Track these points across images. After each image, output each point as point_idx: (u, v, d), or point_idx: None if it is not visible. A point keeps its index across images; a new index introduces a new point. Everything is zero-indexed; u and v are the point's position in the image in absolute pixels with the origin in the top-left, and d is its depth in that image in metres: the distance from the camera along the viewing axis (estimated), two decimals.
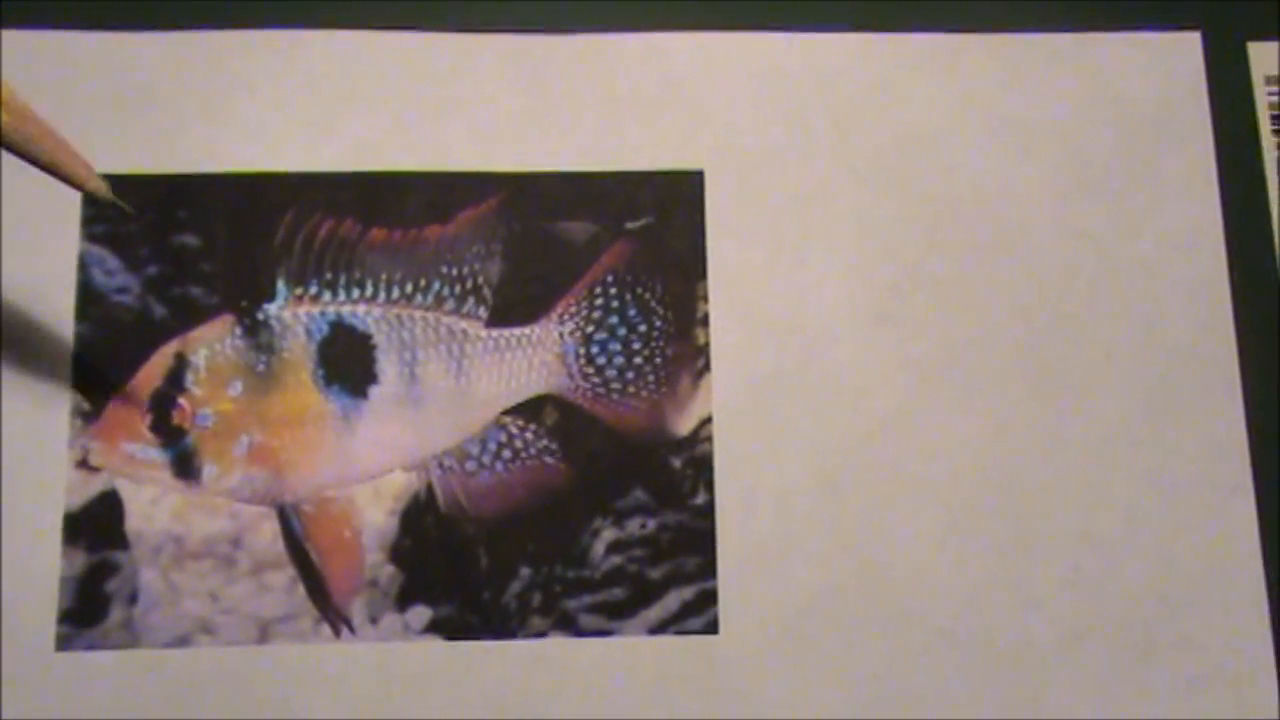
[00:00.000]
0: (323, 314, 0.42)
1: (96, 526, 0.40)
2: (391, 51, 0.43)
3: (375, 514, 0.40)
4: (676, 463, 0.41)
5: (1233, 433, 0.42)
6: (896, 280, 0.43)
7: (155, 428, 0.40)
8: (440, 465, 0.41)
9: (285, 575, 0.40)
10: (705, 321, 0.42)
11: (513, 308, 0.42)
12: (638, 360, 0.42)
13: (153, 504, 0.40)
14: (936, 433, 0.42)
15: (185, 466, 0.40)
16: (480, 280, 0.42)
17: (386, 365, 0.41)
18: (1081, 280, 0.43)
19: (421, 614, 0.40)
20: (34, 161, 0.34)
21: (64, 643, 0.39)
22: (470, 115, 0.43)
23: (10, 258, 0.41)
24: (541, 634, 0.40)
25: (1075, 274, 0.43)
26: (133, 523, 0.40)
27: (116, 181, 0.42)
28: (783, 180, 0.43)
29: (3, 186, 0.42)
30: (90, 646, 0.39)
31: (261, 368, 0.41)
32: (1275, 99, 0.44)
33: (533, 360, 0.42)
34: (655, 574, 0.40)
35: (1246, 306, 0.43)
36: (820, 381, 0.42)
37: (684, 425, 0.41)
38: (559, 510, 0.41)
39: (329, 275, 0.42)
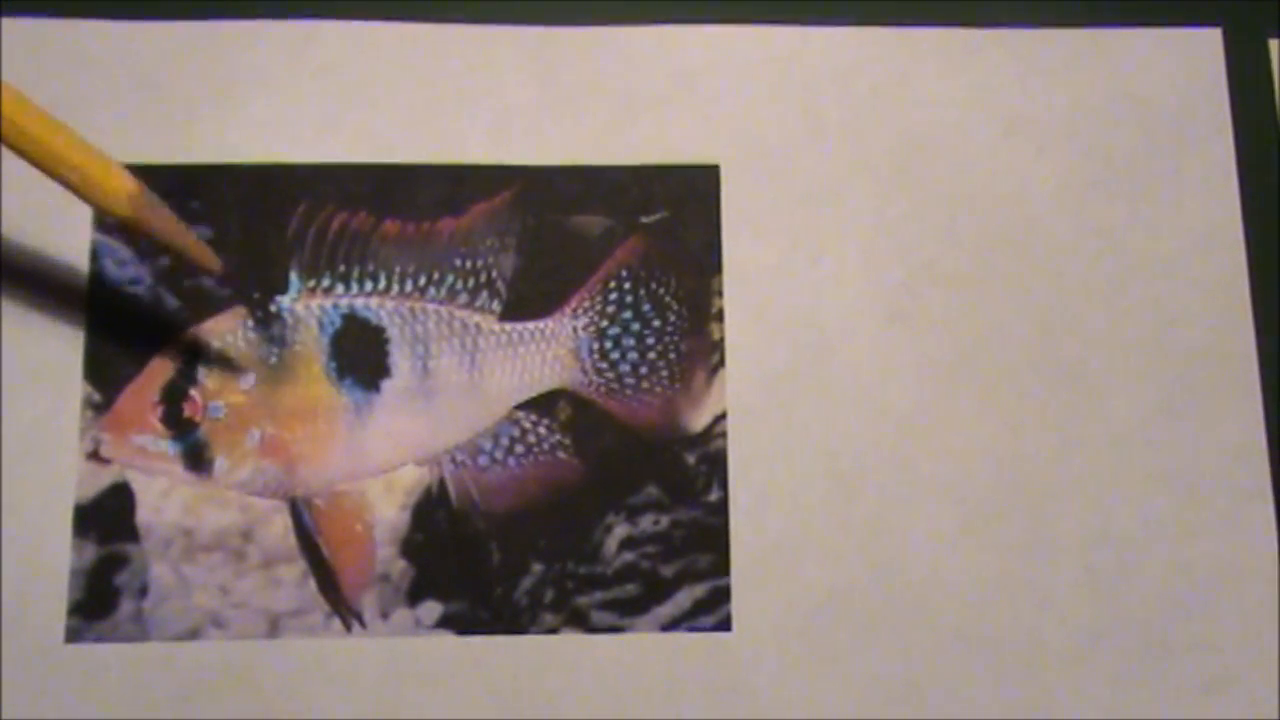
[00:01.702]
0: (335, 306, 0.41)
1: (107, 519, 0.40)
2: (405, 44, 0.43)
3: (387, 508, 0.40)
4: (690, 459, 0.41)
5: (1250, 434, 0.42)
6: (912, 277, 0.42)
7: (166, 420, 0.40)
8: (452, 460, 0.41)
9: (296, 569, 0.40)
10: (720, 317, 0.42)
11: (526, 302, 0.42)
12: (651, 355, 0.42)
13: (163, 496, 0.40)
14: (951, 431, 0.41)
15: (196, 459, 0.40)
16: (494, 274, 0.42)
17: (399, 358, 0.41)
18: (1099, 279, 0.43)
19: (432, 609, 0.40)
20: (165, 247, 0.38)
21: (73, 635, 0.39)
22: (484, 108, 0.43)
23: (22, 248, 0.41)
24: (553, 630, 0.40)
25: (1092, 272, 0.43)
26: (143, 515, 0.40)
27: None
28: (798, 175, 0.43)
29: (14, 178, 0.42)
30: (100, 639, 0.39)
31: (274, 360, 0.41)
32: None
33: (546, 355, 0.41)
34: (668, 571, 0.40)
35: (1266, 306, 0.43)
36: (835, 378, 0.42)
37: (698, 421, 0.41)
38: (571, 506, 0.40)
39: (342, 267, 0.42)
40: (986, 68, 0.44)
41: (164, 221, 0.38)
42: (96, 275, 0.41)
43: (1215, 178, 0.43)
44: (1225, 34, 0.44)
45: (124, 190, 0.36)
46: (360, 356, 0.41)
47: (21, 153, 0.36)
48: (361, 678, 0.39)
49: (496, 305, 0.42)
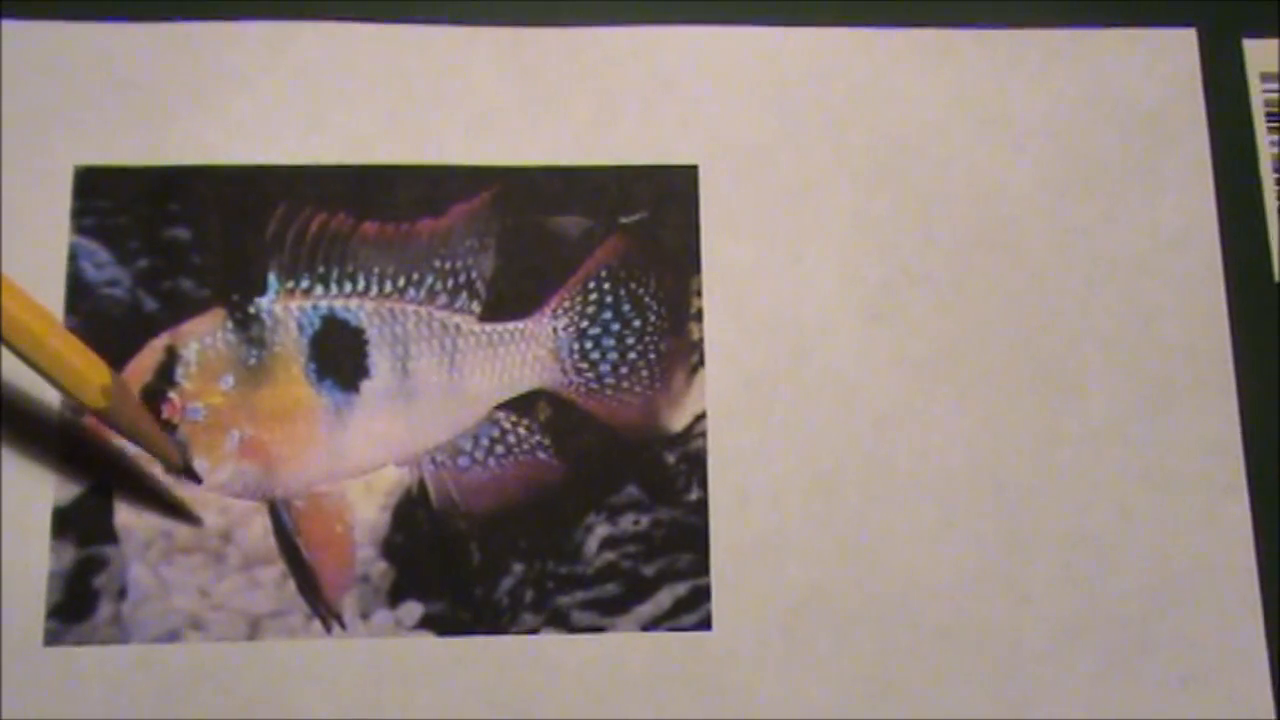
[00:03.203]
0: (314, 308, 0.41)
1: (86, 521, 0.40)
2: (384, 44, 0.43)
3: (367, 509, 0.40)
4: (670, 459, 0.41)
5: (1227, 431, 0.42)
6: (891, 276, 0.43)
7: None
8: (432, 460, 0.41)
9: (276, 570, 0.40)
10: (699, 317, 0.42)
11: (506, 302, 0.42)
12: (631, 356, 0.42)
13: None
14: (930, 429, 0.42)
15: None
16: (473, 274, 0.42)
17: (378, 359, 0.41)
18: (1076, 277, 0.43)
19: (413, 610, 0.40)
20: (134, 440, 0.38)
21: (52, 638, 0.39)
22: (463, 109, 0.43)
23: (1, 252, 0.41)
24: (534, 630, 0.40)
25: (1070, 271, 0.43)
26: (122, 517, 0.40)
27: (108, 174, 0.42)
28: (777, 176, 0.43)
29: None
30: (79, 642, 0.39)
31: (253, 361, 0.41)
32: (1271, 95, 0.44)
33: (526, 355, 0.41)
34: (648, 570, 0.40)
35: (1241, 304, 0.43)
36: (814, 377, 0.42)
37: (678, 421, 0.41)
38: (552, 506, 0.40)
39: (321, 269, 0.41)
40: (964, 68, 0.44)
41: (136, 416, 0.38)
42: (75, 277, 0.41)
43: (1191, 176, 0.44)
44: (1200, 34, 0.45)
45: (98, 382, 0.37)
46: (340, 358, 0.41)
47: (3, 337, 0.36)
48: (342, 679, 0.39)
49: (476, 306, 0.42)
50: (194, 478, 0.40)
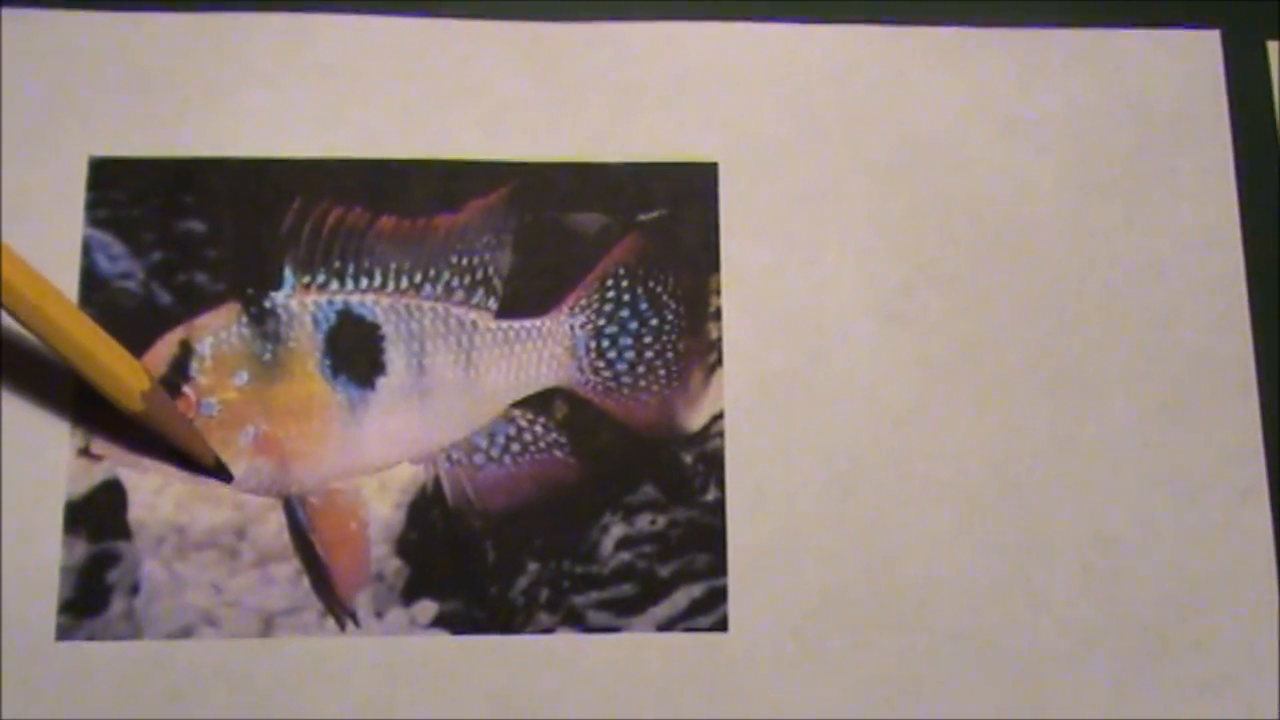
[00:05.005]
0: (330, 303, 0.41)
1: (98, 516, 0.39)
2: (401, 38, 0.43)
3: (382, 506, 0.40)
4: (687, 458, 0.41)
5: (1247, 435, 0.42)
6: (910, 277, 0.42)
7: None
8: (448, 458, 0.40)
9: (290, 567, 0.39)
10: (717, 316, 0.42)
11: (523, 299, 0.41)
12: (649, 354, 0.41)
13: (156, 494, 0.40)
14: (948, 431, 0.41)
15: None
16: (490, 271, 0.42)
17: (394, 356, 0.41)
18: (1096, 280, 0.43)
19: (427, 608, 0.39)
20: (169, 440, 0.39)
21: (64, 633, 0.39)
22: (481, 103, 0.43)
23: (13, 243, 0.41)
24: (549, 630, 0.39)
25: (1090, 273, 0.43)
26: (135, 512, 0.39)
27: (122, 166, 0.41)
28: (796, 174, 0.43)
29: (4, 171, 0.41)
30: (91, 637, 0.39)
31: (268, 357, 0.40)
32: None
33: (542, 353, 0.41)
34: (664, 571, 0.40)
35: (1262, 307, 0.43)
36: (832, 378, 0.41)
37: (695, 421, 0.41)
38: (568, 505, 0.40)
39: (337, 263, 0.41)
40: (985, 68, 0.44)
41: (172, 417, 0.39)
42: (88, 270, 0.41)
43: (1213, 179, 0.43)
44: (1224, 36, 0.44)
45: (138, 388, 0.37)
46: (355, 353, 0.41)
47: (46, 340, 0.37)
48: (356, 677, 0.39)
49: (493, 302, 0.41)
50: (226, 476, 0.39)
